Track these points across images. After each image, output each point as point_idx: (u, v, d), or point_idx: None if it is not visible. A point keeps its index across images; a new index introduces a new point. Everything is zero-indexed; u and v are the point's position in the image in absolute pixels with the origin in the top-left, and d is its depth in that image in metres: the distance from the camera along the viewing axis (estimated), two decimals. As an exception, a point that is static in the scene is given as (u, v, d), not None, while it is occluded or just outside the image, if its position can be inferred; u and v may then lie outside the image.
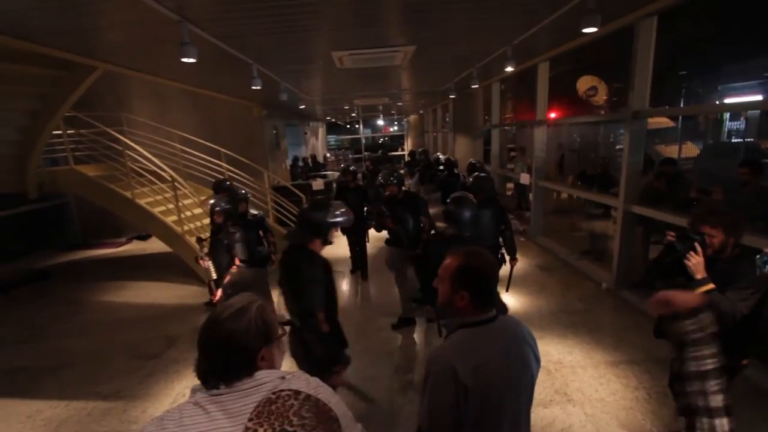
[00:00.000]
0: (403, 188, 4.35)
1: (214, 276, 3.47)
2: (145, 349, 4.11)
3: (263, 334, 1.01)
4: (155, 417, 0.96)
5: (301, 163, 12.38)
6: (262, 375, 0.98)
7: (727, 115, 16.46)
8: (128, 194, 6.09)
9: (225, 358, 0.96)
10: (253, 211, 4.20)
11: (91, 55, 4.08)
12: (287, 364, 1.86)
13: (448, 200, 2.84)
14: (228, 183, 4.68)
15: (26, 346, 4.38)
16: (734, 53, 15.60)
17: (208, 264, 3.49)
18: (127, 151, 6.14)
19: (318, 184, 8.04)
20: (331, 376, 2.17)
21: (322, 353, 2.17)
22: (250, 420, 0.91)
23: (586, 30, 3.05)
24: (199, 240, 3.70)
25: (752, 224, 3.03)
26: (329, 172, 12.16)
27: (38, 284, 6.53)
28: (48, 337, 4.57)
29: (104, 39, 3.64)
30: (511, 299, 4.53)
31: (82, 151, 6.72)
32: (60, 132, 6.32)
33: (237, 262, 3.46)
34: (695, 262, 1.74)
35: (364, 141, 23.11)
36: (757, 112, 15.50)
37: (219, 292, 3.36)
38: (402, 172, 12.01)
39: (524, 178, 7.36)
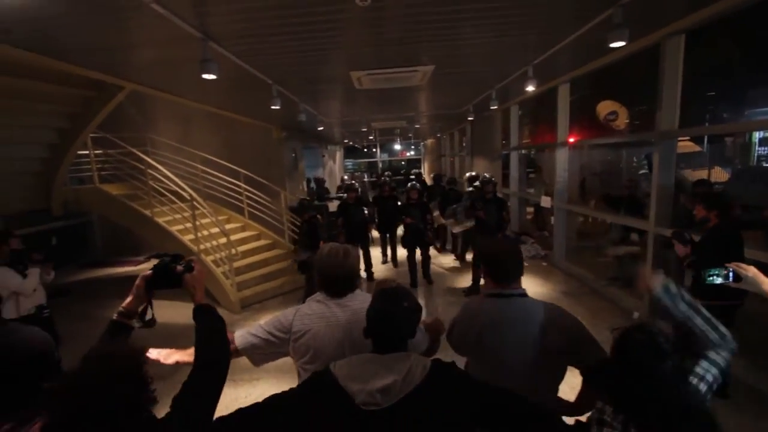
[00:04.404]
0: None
1: None
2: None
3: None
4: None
5: (312, 185, 12.26)
6: (358, 292, 1.62)
7: (756, 140, 16.00)
8: (148, 212, 6.16)
9: (343, 282, 1.58)
10: None
11: (118, 74, 4.20)
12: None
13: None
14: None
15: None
16: (760, 78, 15.33)
17: None
18: (149, 170, 6.26)
19: (334, 206, 8.07)
20: None
21: None
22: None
23: (613, 44, 2.96)
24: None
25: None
26: (345, 194, 12.08)
27: (57, 300, 6.58)
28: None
29: (131, 57, 3.74)
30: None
31: (107, 171, 6.90)
32: (87, 152, 6.53)
33: None
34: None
35: (380, 165, 23.31)
36: (789, 136, 14.93)
37: None
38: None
39: (545, 201, 7.15)
